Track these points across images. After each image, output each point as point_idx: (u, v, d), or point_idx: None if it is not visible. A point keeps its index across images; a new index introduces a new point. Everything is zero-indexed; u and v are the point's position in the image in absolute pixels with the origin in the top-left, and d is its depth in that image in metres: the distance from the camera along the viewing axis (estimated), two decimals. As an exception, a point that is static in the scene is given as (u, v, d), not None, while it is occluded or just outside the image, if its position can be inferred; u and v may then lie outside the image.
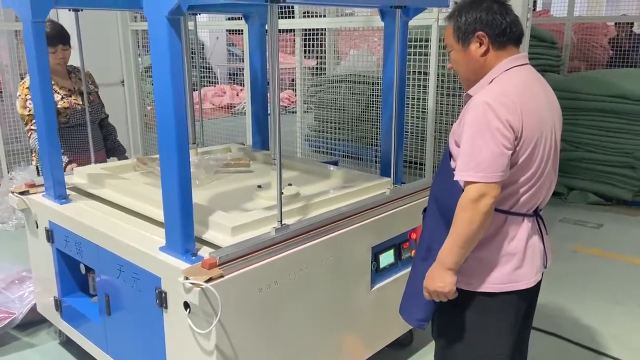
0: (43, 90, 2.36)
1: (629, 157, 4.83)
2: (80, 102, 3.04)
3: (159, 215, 1.96)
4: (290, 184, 2.41)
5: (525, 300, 1.79)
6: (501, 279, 1.70)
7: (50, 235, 2.46)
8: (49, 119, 2.40)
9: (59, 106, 2.96)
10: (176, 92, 1.71)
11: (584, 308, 3.21)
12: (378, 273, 2.38)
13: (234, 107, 8.39)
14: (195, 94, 3.18)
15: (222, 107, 8.77)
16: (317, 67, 5.15)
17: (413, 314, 1.88)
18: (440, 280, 1.67)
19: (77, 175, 2.65)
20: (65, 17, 4.66)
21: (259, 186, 2.41)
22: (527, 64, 1.73)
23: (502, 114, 1.56)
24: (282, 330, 1.98)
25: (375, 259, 2.35)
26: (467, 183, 1.59)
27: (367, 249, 2.30)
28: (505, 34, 1.66)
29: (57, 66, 3.01)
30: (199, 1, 2.17)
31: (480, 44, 1.68)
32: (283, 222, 1.96)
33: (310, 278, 2.04)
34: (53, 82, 2.97)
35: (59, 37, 2.92)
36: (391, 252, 2.42)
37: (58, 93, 3.00)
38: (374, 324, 2.42)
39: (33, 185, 2.61)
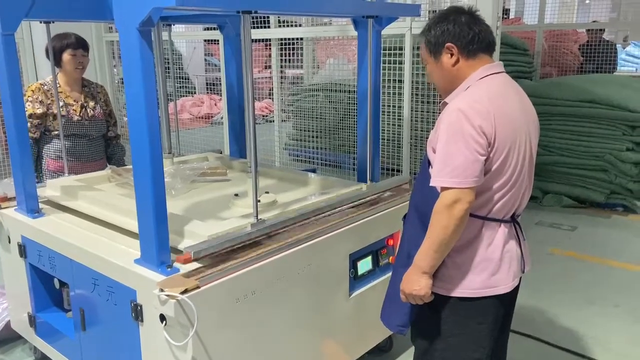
0: (14, 103, 2.32)
1: (600, 160, 4.95)
2: (78, 113, 3.10)
3: (134, 226, 1.95)
4: (267, 192, 2.41)
5: (503, 305, 1.81)
6: (479, 284, 1.73)
7: (22, 250, 2.42)
8: (20, 132, 2.36)
9: (55, 112, 3.02)
10: (149, 104, 1.71)
11: (561, 310, 3.27)
12: (356, 280, 2.39)
13: (212, 117, 8.38)
14: (172, 104, 3.18)
15: (200, 117, 8.74)
16: (295, 77, 5.18)
17: (393, 319, 1.90)
18: (417, 283, 1.70)
19: (50, 188, 2.61)
20: (38, 30, 4.62)
21: (236, 194, 2.41)
22: (502, 72, 1.77)
23: (475, 120, 1.59)
24: (260, 339, 1.97)
25: (353, 266, 2.36)
26: (443, 189, 1.62)
27: (344, 256, 2.31)
28: (474, 43, 1.71)
29: (75, 71, 3.09)
30: (170, 12, 2.17)
31: (451, 55, 1.73)
32: (259, 218, 1.96)
33: (288, 287, 2.04)
34: (60, 90, 3.08)
35: (81, 42, 3.07)
36: (369, 258, 2.44)
37: (61, 99, 3.05)
38: (353, 331, 2.42)
39: (5, 199, 2.56)
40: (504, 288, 1.75)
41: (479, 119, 1.59)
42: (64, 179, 2.71)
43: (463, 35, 1.70)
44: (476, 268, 1.72)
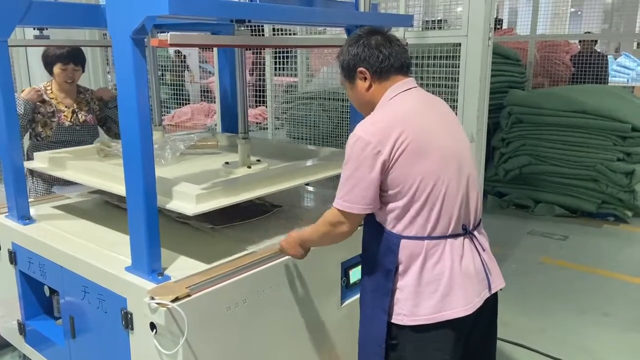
0: (7, 109, 2.31)
1: (591, 170, 4.99)
2: (69, 119, 3.10)
3: (122, 190, 1.90)
4: (258, 160, 2.42)
5: (466, 328, 1.70)
6: (431, 309, 1.64)
7: (13, 257, 2.40)
8: (12, 139, 2.35)
9: (46, 117, 3.04)
10: (141, 112, 1.71)
11: (551, 319, 3.28)
12: (348, 289, 2.38)
13: (205, 125, 8.39)
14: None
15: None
16: (289, 84, 5.20)
17: None
18: (297, 251, 1.90)
19: (37, 160, 2.58)
20: (31, 37, 4.61)
21: (226, 163, 2.42)
22: (413, 87, 1.74)
23: (373, 144, 1.58)
24: (251, 348, 1.97)
25: (345, 274, 2.36)
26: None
27: (336, 264, 2.31)
28: (384, 66, 1.69)
29: (64, 83, 3.10)
30: (164, 20, 2.18)
31: (365, 79, 1.72)
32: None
33: (280, 295, 2.04)
34: (53, 97, 3.09)
35: (72, 56, 3.05)
36: (360, 267, 2.44)
37: (51, 105, 3.07)
38: (345, 340, 2.41)
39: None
40: (462, 310, 1.63)
41: (377, 141, 1.58)
42: (52, 151, 2.69)
43: (373, 58, 1.68)
44: (424, 292, 1.64)
